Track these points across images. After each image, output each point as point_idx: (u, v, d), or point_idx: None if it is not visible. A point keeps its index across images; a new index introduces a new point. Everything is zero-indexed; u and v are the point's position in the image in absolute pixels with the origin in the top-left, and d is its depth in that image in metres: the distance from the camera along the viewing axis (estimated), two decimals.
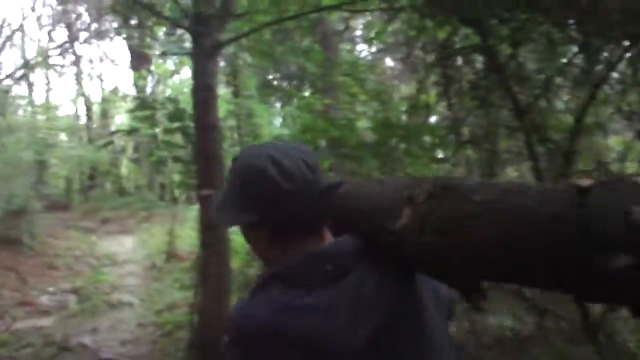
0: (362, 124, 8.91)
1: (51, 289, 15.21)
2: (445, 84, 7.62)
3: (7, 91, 24.25)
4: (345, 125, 7.93)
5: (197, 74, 8.10)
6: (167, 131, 9.02)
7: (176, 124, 8.82)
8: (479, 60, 7.41)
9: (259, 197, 1.79)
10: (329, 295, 1.69)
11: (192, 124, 8.47)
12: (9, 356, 7.66)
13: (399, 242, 1.65)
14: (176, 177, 26.02)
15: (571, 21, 6.22)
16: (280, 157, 1.79)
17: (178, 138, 9.29)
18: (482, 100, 7.18)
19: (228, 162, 9.20)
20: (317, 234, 1.86)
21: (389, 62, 16.49)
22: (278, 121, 18.05)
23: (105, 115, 35.02)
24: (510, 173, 9.13)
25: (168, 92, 22.52)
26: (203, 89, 8.05)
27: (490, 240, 1.38)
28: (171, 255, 16.92)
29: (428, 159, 7.68)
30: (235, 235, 11.56)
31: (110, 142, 13.84)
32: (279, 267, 1.82)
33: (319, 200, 1.79)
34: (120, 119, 35.13)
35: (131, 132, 9.56)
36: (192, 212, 20.13)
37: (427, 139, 7.92)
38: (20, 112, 28.64)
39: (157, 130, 12.02)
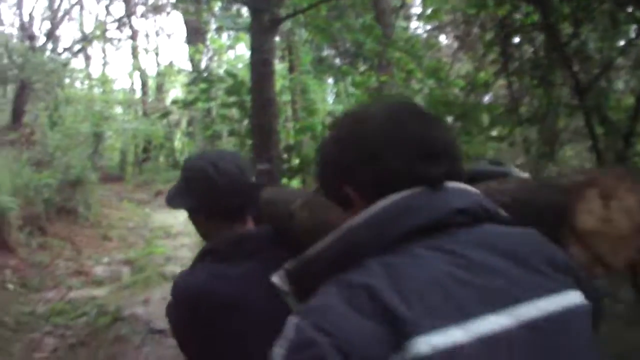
0: (418, 101, 8.88)
1: (105, 259, 15.44)
2: (504, 62, 7.55)
3: (65, 64, 24.53)
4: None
5: (255, 49, 8.14)
6: (225, 105, 9.06)
7: (234, 98, 8.86)
8: (540, 39, 7.32)
9: (198, 189, 2.43)
10: (247, 268, 2.22)
11: (249, 99, 8.51)
12: (64, 325, 7.85)
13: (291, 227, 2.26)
14: None
15: (634, 0, 6.12)
16: (217, 160, 2.41)
17: (234, 112, 9.34)
18: (541, 78, 7.10)
19: (284, 137, 9.28)
20: (243, 221, 2.51)
21: (443, 39, 16.38)
22: (331, 98, 18.10)
23: (160, 89, 35.29)
24: (568, 152, 9.04)
25: (223, 67, 22.59)
26: (261, 64, 8.08)
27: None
28: None
29: (484, 137, 7.64)
30: None
31: (168, 114, 13.90)
32: (213, 245, 2.44)
33: (245, 195, 2.43)
34: (175, 93, 35.41)
35: (188, 104, 9.60)
36: None
37: (484, 117, 7.88)
38: (78, 85, 29.02)
39: (212, 104, 12.07)
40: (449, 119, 7.69)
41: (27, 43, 22.16)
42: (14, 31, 25.87)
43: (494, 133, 7.74)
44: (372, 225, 1.43)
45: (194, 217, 2.60)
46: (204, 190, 2.40)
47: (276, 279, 1.57)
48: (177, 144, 35.34)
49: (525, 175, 1.92)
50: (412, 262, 1.33)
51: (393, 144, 1.52)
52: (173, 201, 2.57)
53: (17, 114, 22.14)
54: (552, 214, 1.58)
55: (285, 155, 8.65)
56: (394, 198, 1.46)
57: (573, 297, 1.40)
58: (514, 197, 1.70)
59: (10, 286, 11.89)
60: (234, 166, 2.40)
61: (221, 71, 9.73)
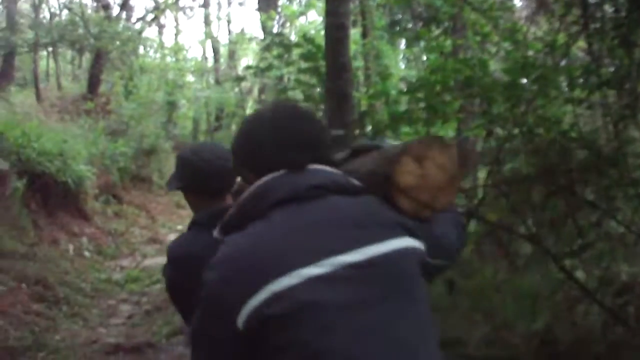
0: (493, 64, 8.68)
1: (179, 227, 15.62)
2: (584, 23, 7.31)
3: (139, 33, 24.74)
4: (476, 65, 7.74)
5: (330, 13, 8.01)
6: (299, 71, 9.01)
7: (308, 64, 8.79)
8: None
9: (185, 173, 2.97)
10: (264, 229, 2.06)
11: (323, 64, 8.43)
12: (140, 292, 7.95)
13: None
14: None
15: None
16: (199, 151, 2.98)
17: (308, 78, 9.27)
18: (623, 39, 6.86)
19: (357, 103, 9.18)
20: (222, 198, 2.97)
21: (519, 1, 16.04)
22: (403, 63, 17.89)
23: (232, 57, 35.38)
24: None
25: (295, 33, 22.49)
26: (336, 28, 7.97)
27: None
28: None
29: (563, 100, 7.44)
30: None
31: (241, 79, 13.84)
32: (196, 217, 2.94)
33: (221, 177, 2.89)
34: (247, 61, 35.48)
35: (262, 71, 9.56)
36: None
37: (562, 79, 7.68)
38: (152, 54, 29.24)
39: (285, 70, 12.01)
40: (527, 82, 7.52)
41: (102, 13, 22.39)
42: (89, 1, 26.22)
43: (573, 96, 7.55)
44: (251, 198, 2.03)
45: (185, 195, 3.08)
46: (189, 174, 2.95)
47: (215, 232, 2.14)
48: (249, 111, 35.48)
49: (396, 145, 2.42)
50: (266, 226, 1.92)
51: (271, 138, 2.07)
52: (170, 184, 3.09)
53: (93, 83, 22.43)
54: (383, 179, 2.13)
55: (358, 121, 8.55)
56: (266, 179, 2.02)
57: (397, 243, 1.94)
58: (367, 168, 2.26)
59: (87, 254, 12.09)
60: (213, 155, 2.93)
61: (293, 37, 9.67)
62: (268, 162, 2.04)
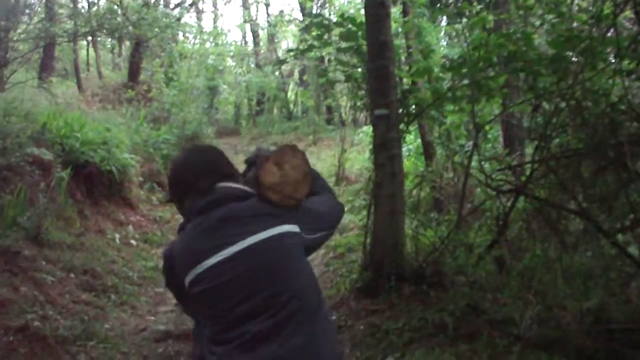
0: (538, 38, 8.51)
1: None
2: None
3: (177, 20, 24.76)
4: (521, 39, 7.59)
5: None
6: (340, 50, 8.90)
7: (349, 44, 8.68)
8: None
9: (169, 188, 3.17)
10: (192, 232, 2.92)
11: (364, 43, 8.32)
12: None
13: None
14: (343, 100, 26.15)
15: None
16: (175, 164, 3.19)
17: (349, 58, 9.16)
18: None
19: (400, 82, 9.07)
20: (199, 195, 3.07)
21: None
22: (445, 40, 17.71)
23: (271, 40, 35.37)
24: None
25: (334, 13, 22.37)
26: (376, 7, 7.86)
27: None
28: (340, 178, 16.95)
29: (611, 72, 7.27)
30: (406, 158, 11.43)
31: (283, 62, 13.71)
32: (182, 223, 3.08)
33: (185, 186, 3.03)
34: (287, 44, 35.44)
35: (303, 52, 9.45)
36: (360, 134, 20.14)
37: (609, 51, 7.50)
38: (191, 40, 29.30)
39: (325, 51, 11.90)
40: (573, 54, 7.36)
41: (140, 0, 22.43)
42: None
43: (621, 67, 7.36)
44: (186, 214, 3.01)
45: (174, 204, 3.22)
46: (169, 187, 3.17)
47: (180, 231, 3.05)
48: (291, 94, 35.46)
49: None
50: (183, 235, 2.94)
51: (184, 172, 3.05)
52: (166, 195, 3.70)
53: (133, 71, 22.54)
54: (257, 181, 2.92)
55: (401, 100, 8.45)
56: (189, 202, 2.97)
57: (281, 228, 2.81)
58: (252, 175, 3.09)
59: (133, 242, 12.13)
60: (182, 167, 3.12)
61: (333, 18, 9.57)
62: (186, 188, 3.00)
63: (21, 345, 6.56)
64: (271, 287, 2.73)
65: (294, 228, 2.86)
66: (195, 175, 2.98)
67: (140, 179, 14.74)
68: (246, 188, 2.99)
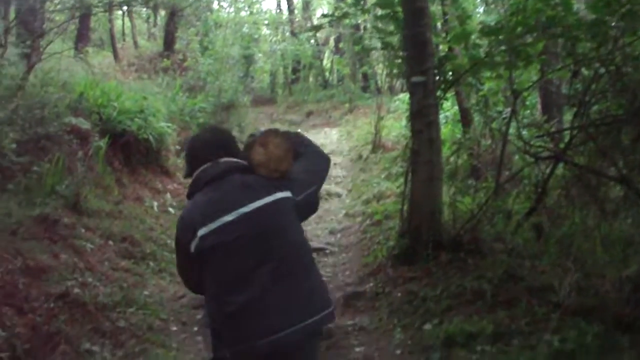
0: (577, 3, 8.36)
1: None
2: None
3: None
4: (559, 4, 7.47)
5: None
6: (376, 18, 8.83)
7: (385, 11, 8.61)
8: None
9: (187, 164, 3.81)
10: (201, 199, 3.56)
11: (401, 9, 8.25)
12: None
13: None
14: (379, 68, 25.99)
15: None
16: (190, 142, 3.91)
17: (385, 25, 9.08)
18: None
19: (437, 48, 8.97)
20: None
21: None
22: (481, 6, 17.47)
23: (306, 7, 35.19)
24: None
25: None
26: None
27: None
28: (377, 146, 16.86)
29: None
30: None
31: (318, 28, 13.57)
32: (191, 190, 3.68)
33: (197, 163, 3.68)
34: (322, 11, 35.23)
35: (340, 18, 9.38)
36: (396, 102, 20.03)
37: None
38: (225, 8, 29.20)
39: (360, 20, 11.79)
40: (613, 19, 7.24)
41: None
42: None
43: None
44: (194, 181, 3.62)
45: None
46: (187, 163, 3.82)
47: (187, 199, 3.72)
48: (326, 62, 35.32)
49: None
50: (201, 196, 3.50)
51: (200, 147, 3.72)
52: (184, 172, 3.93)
53: (169, 40, 22.53)
54: (248, 160, 3.61)
55: (438, 67, 8.37)
56: (199, 170, 3.61)
57: (275, 196, 3.45)
58: (246, 155, 3.68)
59: (171, 210, 12.19)
60: (199, 142, 3.81)
61: None
62: (200, 160, 3.65)
63: (61, 311, 6.64)
64: (270, 241, 3.41)
65: (286, 194, 3.53)
66: (209, 150, 3.67)
67: (177, 147, 14.79)
68: (246, 163, 3.64)
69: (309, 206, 3.77)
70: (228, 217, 3.39)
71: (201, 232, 3.38)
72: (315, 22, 32.86)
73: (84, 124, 10.70)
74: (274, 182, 3.53)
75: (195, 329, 7.56)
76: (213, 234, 3.37)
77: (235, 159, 3.63)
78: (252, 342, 3.32)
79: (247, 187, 3.49)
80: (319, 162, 3.88)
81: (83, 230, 8.87)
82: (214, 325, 3.50)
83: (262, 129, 4.13)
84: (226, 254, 3.38)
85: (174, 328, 7.49)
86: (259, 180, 3.53)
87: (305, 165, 3.74)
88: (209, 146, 3.69)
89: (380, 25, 8.93)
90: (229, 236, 3.37)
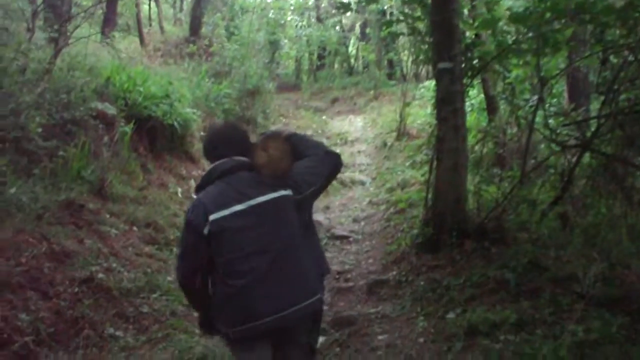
0: None
1: None
2: None
3: None
4: None
5: None
6: (404, 3, 8.78)
7: None
8: None
9: (206, 151, 4.35)
10: (215, 189, 3.98)
11: None
12: None
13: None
14: (405, 55, 25.90)
15: None
16: (207, 134, 4.51)
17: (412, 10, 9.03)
18: None
19: (464, 35, 8.91)
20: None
21: None
22: None
23: None
24: None
25: None
26: None
27: None
28: (402, 133, 16.81)
29: None
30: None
31: (348, 8, 13.43)
32: (203, 182, 4.14)
33: (217, 151, 4.18)
34: None
35: (368, 2, 9.33)
36: (421, 89, 19.95)
37: None
38: None
39: (387, 5, 11.73)
40: None
41: None
42: None
43: None
44: (207, 174, 4.05)
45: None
46: (206, 151, 4.35)
47: (194, 192, 4.28)
48: (352, 49, 35.23)
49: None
50: (214, 188, 3.93)
51: (215, 142, 4.21)
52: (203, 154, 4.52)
53: (195, 26, 22.56)
54: (253, 163, 4.05)
55: (465, 53, 8.33)
56: (212, 165, 4.07)
57: (278, 193, 3.91)
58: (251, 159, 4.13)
59: (195, 196, 12.23)
60: (213, 139, 4.32)
61: None
62: (215, 155, 4.15)
63: (86, 296, 6.72)
64: (273, 232, 3.92)
65: (287, 192, 3.99)
66: (227, 147, 4.16)
67: (202, 133, 14.81)
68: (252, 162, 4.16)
69: (311, 201, 4.25)
70: (238, 207, 3.89)
71: (213, 217, 3.85)
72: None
73: (110, 109, 10.74)
74: (276, 181, 4.00)
75: None
76: (223, 220, 3.86)
77: (244, 158, 4.10)
78: (250, 322, 3.85)
79: (254, 183, 3.99)
80: (320, 164, 4.22)
81: (108, 216, 8.94)
82: (215, 309, 4.05)
83: (273, 127, 4.85)
84: (232, 238, 3.88)
85: (196, 314, 7.53)
86: (264, 178, 4.01)
87: (307, 167, 4.16)
88: (228, 144, 4.18)
89: (407, 10, 8.86)
90: (236, 223, 3.87)
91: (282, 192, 3.97)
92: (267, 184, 3.98)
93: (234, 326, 3.90)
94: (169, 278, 8.23)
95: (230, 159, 4.06)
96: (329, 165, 4.26)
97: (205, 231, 3.84)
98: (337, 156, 4.37)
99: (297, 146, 4.19)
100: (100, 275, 7.16)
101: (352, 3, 12.45)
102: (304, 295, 3.95)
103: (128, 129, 10.93)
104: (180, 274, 4.10)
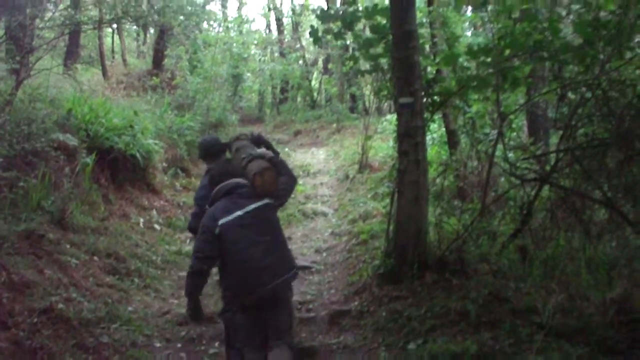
0: (564, 28, 8.43)
1: None
2: None
3: (202, 7, 24.77)
4: (547, 29, 7.55)
5: None
6: (365, 42, 8.87)
7: (375, 36, 8.67)
8: None
9: (200, 151, 8.26)
10: (221, 203, 5.84)
11: (390, 32, 8.31)
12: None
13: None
14: (367, 89, 26.06)
15: None
16: (201, 141, 8.51)
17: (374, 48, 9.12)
18: None
19: (425, 71, 9.02)
20: (215, 160, 7.77)
21: None
22: (469, 30, 17.55)
23: (295, 28, 35.29)
24: None
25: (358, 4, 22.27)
26: None
27: None
28: (364, 166, 16.89)
29: (638, 62, 7.23)
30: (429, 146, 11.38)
31: (317, 38, 13.44)
32: (213, 200, 5.97)
33: (210, 153, 7.96)
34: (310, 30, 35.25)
35: (335, 36, 9.35)
36: (383, 123, 20.09)
37: (637, 41, 7.45)
38: (215, 27, 29.26)
39: (349, 41, 11.81)
40: (600, 43, 7.32)
41: None
42: None
43: None
44: (215, 193, 5.96)
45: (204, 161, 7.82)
46: (200, 152, 8.11)
47: (207, 205, 6.05)
48: (314, 83, 35.40)
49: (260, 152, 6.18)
50: (220, 203, 5.83)
51: (225, 174, 6.13)
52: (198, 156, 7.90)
53: (158, 59, 22.65)
54: (252, 186, 5.89)
55: (426, 89, 8.42)
56: (217, 187, 5.96)
57: (263, 201, 5.82)
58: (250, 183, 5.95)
59: (157, 226, 12.21)
60: (203, 143, 8.10)
61: (358, 7, 9.47)
62: (223, 179, 5.97)
63: (45, 326, 6.65)
64: (263, 228, 5.77)
65: (270, 201, 5.91)
66: (228, 176, 6.06)
67: (164, 164, 14.82)
68: (245, 182, 5.96)
69: (280, 206, 6.30)
70: (238, 212, 5.71)
71: (221, 221, 5.66)
72: (305, 43, 32.98)
73: (72, 141, 10.71)
74: (262, 195, 5.89)
75: (179, 345, 7.56)
76: (229, 222, 5.67)
77: (239, 180, 5.99)
78: (256, 289, 5.57)
79: (247, 195, 5.86)
80: (290, 184, 6.22)
81: (68, 246, 8.87)
82: (228, 287, 5.78)
83: (257, 150, 6.25)
84: (237, 235, 5.65)
85: (158, 344, 7.48)
86: (254, 193, 5.87)
87: (283, 185, 6.08)
88: (229, 175, 6.06)
89: (370, 49, 8.94)
90: (237, 224, 5.67)
91: (266, 201, 5.88)
92: (256, 195, 5.85)
93: (240, 296, 5.64)
94: (130, 308, 8.19)
95: (230, 182, 5.95)
96: (293, 185, 6.30)
97: (216, 231, 5.63)
98: (296, 180, 6.50)
99: (276, 166, 6.07)
100: (60, 305, 7.07)
101: (311, 48, 12.57)
102: (285, 270, 5.79)
103: (90, 160, 10.90)
104: (196, 261, 5.71)
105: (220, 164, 6.68)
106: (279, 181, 5.99)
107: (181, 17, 20.78)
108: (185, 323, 8.07)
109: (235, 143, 6.65)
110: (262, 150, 6.25)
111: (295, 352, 5.98)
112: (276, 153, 6.46)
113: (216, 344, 7.53)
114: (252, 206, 5.76)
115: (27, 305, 6.77)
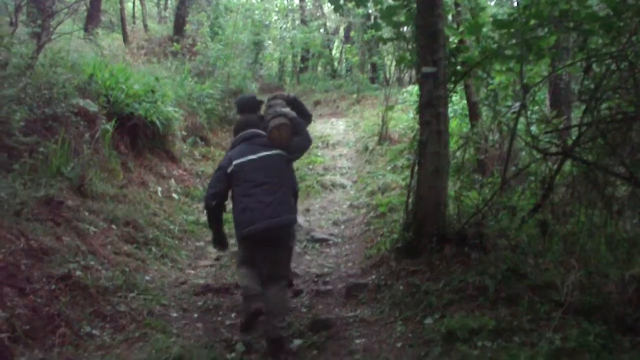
0: None
1: None
2: None
3: None
4: None
5: None
6: (389, 9, 8.75)
7: (398, 1, 8.55)
8: None
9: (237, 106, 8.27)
10: (239, 147, 6.99)
11: (414, 0, 8.19)
12: (227, 233, 7.95)
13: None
14: (388, 59, 25.89)
15: None
16: (238, 99, 8.48)
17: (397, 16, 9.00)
18: None
19: (448, 40, 8.90)
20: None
21: None
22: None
23: None
24: None
25: None
26: None
27: None
28: (383, 137, 16.78)
29: None
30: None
31: (340, 6, 13.32)
32: (233, 145, 7.19)
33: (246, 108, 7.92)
34: None
35: (358, 4, 9.25)
36: (404, 94, 19.95)
37: None
38: None
39: (372, 9, 11.71)
40: (628, 13, 7.18)
41: None
42: None
43: None
44: (237, 139, 7.10)
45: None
46: (237, 107, 8.21)
47: (229, 150, 7.25)
48: (335, 52, 35.23)
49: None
50: (238, 147, 6.96)
51: (247, 125, 7.22)
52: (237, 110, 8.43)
53: (179, 25, 22.52)
54: (269, 138, 6.98)
55: (449, 58, 8.31)
56: (239, 134, 7.12)
57: (277, 151, 6.87)
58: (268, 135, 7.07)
59: (175, 196, 12.20)
60: (241, 100, 8.22)
61: None
62: (244, 128, 7.12)
63: (63, 293, 6.67)
64: (270, 172, 6.67)
65: (283, 152, 6.86)
66: (251, 126, 7.09)
67: (184, 133, 14.77)
68: (264, 133, 6.97)
69: (292, 160, 7.41)
70: (252, 156, 6.73)
71: (235, 161, 6.72)
72: (326, 10, 32.76)
73: (92, 106, 10.68)
74: (277, 147, 6.87)
75: (196, 315, 7.57)
76: (241, 163, 6.71)
77: (259, 131, 7.03)
78: (255, 225, 6.43)
79: (263, 144, 6.87)
80: (303, 144, 7.13)
81: (87, 213, 8.89)
82: (234, 219, 6.70)
83: (278, 109, 7.18)
84: (246, 174, 6.64)
85: (174, 314, 7.49)
86: (269, 143, 6.86)
87: (297, 143, 7.02)
88: (251, 125, 7.10)
89: (393, 17, 8.81)
90: (249, 166, 6.69)
91: (279, 151, 6.85)
92: (270, 146, 6.85)
93: (244, 228, 6.51)
94: (147, 277, 8.21)
95: (249, 131, 7.00)
96: (307, 145, 7.25)
97: (229, 170, 6.71)
98: (310, 141, 7.33)
99: (295, 126, 7.01)
100: (78, 272, 7.09)
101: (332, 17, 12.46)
102: (284, 212, 6.60)
103: (109, 126, 10.88)
104: (208, 196, 6.83)
105: (245, 116, 7.47)
106: (294, 139, 6.98)
107: None
108: (202, 293, 8.09)
109: (271, 102, 7.60)
110: (287, 109, 7.28)
111: (292, 289, 8.08)
112: (308, 116, 7.78)
113: (233, 315, 7.54)
114: (265, 153, 6.80)
115: (45, 272, 6.78)
